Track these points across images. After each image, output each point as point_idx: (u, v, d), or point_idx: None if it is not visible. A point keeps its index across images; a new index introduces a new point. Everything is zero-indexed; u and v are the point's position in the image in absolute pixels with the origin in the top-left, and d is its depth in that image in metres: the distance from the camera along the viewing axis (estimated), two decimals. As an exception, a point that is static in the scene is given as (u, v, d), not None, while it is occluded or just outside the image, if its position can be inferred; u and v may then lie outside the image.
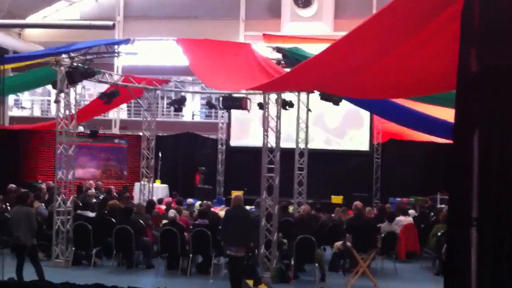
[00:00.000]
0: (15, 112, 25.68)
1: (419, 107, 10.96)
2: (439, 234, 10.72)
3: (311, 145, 15.71)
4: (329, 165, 18.65)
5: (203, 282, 10.17)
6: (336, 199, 17.51)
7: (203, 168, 18.71)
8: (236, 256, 9.18)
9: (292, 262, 10.25)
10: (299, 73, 5.24)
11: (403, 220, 11.81)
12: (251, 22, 21.95)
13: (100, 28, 4.82)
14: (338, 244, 10.92)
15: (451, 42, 3.51)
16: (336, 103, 12.95)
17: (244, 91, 12.80)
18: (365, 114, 18.02)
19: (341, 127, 19.02)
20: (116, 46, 10.97)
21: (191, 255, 10.40)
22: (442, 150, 15.53)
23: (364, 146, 18.93)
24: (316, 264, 10.14)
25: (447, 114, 9.83)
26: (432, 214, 13.58)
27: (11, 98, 25.17)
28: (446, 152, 13.93)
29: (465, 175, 3.29)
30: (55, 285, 7.47)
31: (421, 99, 8.82)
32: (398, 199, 16.48)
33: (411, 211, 13.42)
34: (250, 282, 9.41)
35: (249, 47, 9.21)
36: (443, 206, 14.34)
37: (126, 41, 10.29)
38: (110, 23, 4.69)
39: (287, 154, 14.46)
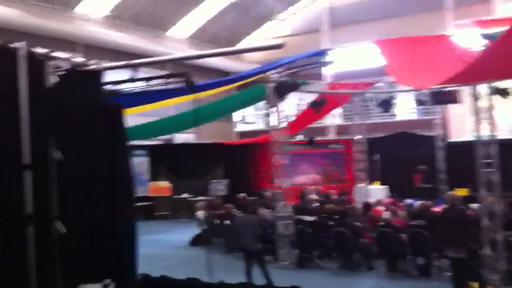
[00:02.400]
0: (242, 127, 28.10)
1: None
2: None
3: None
4: None
5: (424, 284, 9.89)
6: None
7: (424, 167, 18.14)
8: (457, 258, 8.78)
9: (524, 263, 9.37)
10: (489, 60, 4.86)
11: None
12: (460, 10, 20.59)
13: (270, 49, 5.19)
14: None
15: None
16: None
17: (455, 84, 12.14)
18: None
19: None
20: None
21: (410, 256, 10.22)
22: None
23: None
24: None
25: None
26: None
27: (238, 115, 27.60)
28: None
29: None
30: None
31: None
32: None
33: None
34: (476, 285, 8.88)
35: (446, 38, 8.75)
36: None
37: (321, 53, 10.64)
38: (280, 42, 5.05)
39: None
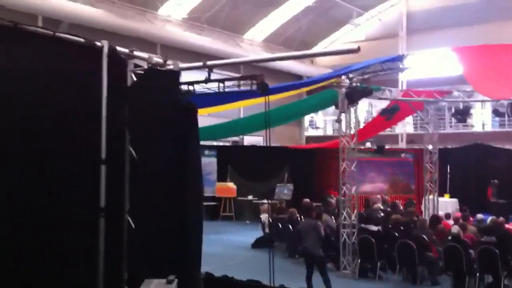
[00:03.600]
0: (310, 132, 28.01)
1: None
2: None
3: None
4: None
5: (492, 304, 9.52)
6: None
7: (496, 180, 17.41)
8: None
9: None
10: None
11: None
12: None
13: (346, 53, 5.23)
14: None
15: None
16: None
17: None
18: None
19: None
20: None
21: (478, 274, 9.85)
22: None
23: None
24: None
25: None
26: None
27: (306, 120, 27.56)
28: None
29: None
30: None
31: None
32: None
33: None
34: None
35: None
36: None
37: (399, 58, 10.43)
38: (355, 47, 5.07)
39: None
